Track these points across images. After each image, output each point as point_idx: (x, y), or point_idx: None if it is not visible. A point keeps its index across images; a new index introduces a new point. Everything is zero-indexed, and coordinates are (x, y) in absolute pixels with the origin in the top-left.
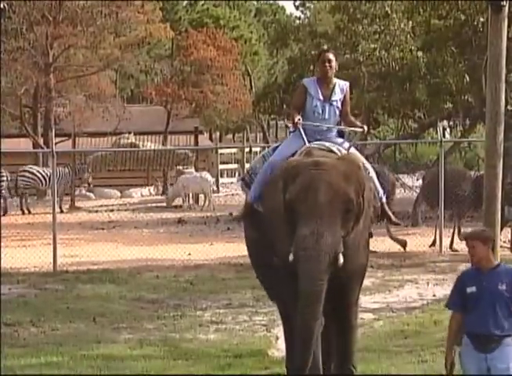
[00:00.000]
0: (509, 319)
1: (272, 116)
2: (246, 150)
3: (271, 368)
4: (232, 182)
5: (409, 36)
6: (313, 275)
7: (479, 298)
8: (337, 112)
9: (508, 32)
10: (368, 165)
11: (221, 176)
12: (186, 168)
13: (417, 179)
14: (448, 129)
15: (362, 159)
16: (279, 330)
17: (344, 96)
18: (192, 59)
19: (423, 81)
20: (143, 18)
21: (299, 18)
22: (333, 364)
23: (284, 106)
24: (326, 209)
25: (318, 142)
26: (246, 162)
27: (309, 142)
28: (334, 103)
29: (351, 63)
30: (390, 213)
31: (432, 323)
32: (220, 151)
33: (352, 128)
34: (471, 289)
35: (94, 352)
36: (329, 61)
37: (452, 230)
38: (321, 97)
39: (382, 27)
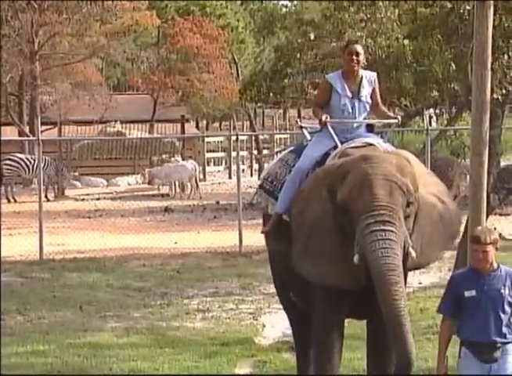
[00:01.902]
0: (510, 325)
1: (259, 104)
2: (233, 138)
3: (257, 356)
4: (218, 171)
5: (395, 24)
6: (392, 267)
7: (479, 302)
8: (367, 107)
9: (494, 20)
10: (414, 160)
11: (208, 165)
12: (172, 157)
13: None
14: (434, 117)
15: (406, 153)
16: (265, 319)
17: (373, 89)
18: (179, 47)
19: (410, 69)
20: (129, 5)
21: (286, 6)
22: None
23: (271, 95)
24: (386, 202)
25: (350, 142)
26: (233, 150)
27: (340, 141)
28: (363, 99)
29: (337, 51)
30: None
31: (418, 311)
32: (206, 139)
33: (386, 121)
34: (470, 293)
35: (80, 341)
36: (357, 54)
37: None
38: (349, 94)
39: (368, 15)
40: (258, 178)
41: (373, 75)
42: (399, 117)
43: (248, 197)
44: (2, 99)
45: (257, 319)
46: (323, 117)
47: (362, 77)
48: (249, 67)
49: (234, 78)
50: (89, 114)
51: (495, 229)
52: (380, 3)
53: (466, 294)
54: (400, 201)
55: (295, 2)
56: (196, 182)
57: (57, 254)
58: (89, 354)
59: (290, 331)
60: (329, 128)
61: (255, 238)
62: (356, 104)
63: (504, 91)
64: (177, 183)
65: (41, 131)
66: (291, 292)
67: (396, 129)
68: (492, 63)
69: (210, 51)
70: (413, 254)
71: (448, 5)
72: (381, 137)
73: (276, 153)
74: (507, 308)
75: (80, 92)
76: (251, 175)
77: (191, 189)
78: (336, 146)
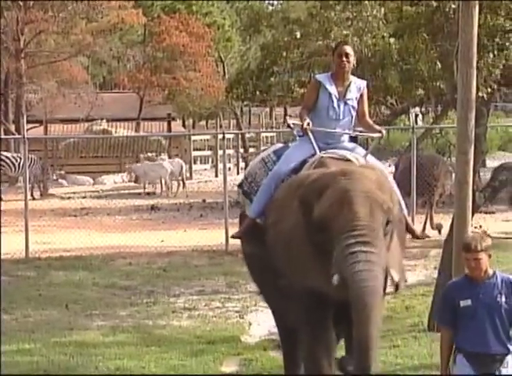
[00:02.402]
0: (509, 334)
1: (245, 102)
2: (220, 136)
3: (244, 354)
4: (205, 169)
5: (381, 22)
6: (372, 292)
7: (476, 312)
8: (353, 112)
9: (479, 19)
10: (387, 174)
11: (195, 163)
12: (159, 155)
13: (389, 166)
14: (420, 116)
15: (382, 167)
16: (251, 317)
17: (361, 96)
18: (165, 46)
19: (396, 67)
20: (115, 3)
21: (272, 4)
22: None
23: (257, 93)
24: (367, 221)
25: (330, 151)
26: (220, 149)
27: (320, 148)
28: (349, 102)
29: (323, 49)
30: (413, 226)
31: (404, 309)
32: (193, 138)
33: (369, 135)
34: (465, 302)
35: (66, 339)
36: (347, 55)
37: (424, 216)
38: (336, 94)
39: (354, 14)
40: None
41: (362, 82)
42: (383, 132)
43: (235, 195)
44: None
45: (243, 318)
46: (305, 124)
47: (351, 82)
48: (235, 66)
49: (220, 77)
50: (75, 113)
51: (480, 227)
52: (366, 2)
53: (462, 303)
54: (381, 220)
55: (281, 1)
56: (183, 181)
57: (43, 252)
58: (75, 353)
59: (276, 330)
60: (310, 134)
61: None
62: (342, 106)
63: (489, 89)
64: (163, 182)
65: (27, 130)
66: (268, 300)
67: (383, 127)
68: (477, 62)
69: (196, 49)
70: (395, 277)
71: (434, 3)
72: (366, 148)
73: (263, 151)
74: (505, 316)
75: (66, 91)
76: (238, 173)
77: (177, 188)
78: (315, 154)
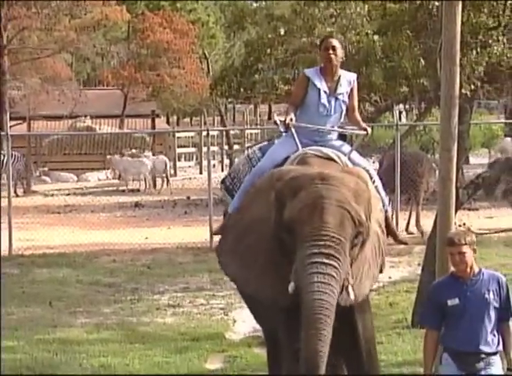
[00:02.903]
0: (496, 333)
1: (230, 99)
2: (204, 133)
3: (228, 351)
4: (189, 166)
5: (365, 19)
6: (325, 306)
7: (464, 310)
8: (343, 107)
9: (462, 16)
10: (373, 172)
11: (179, 160)
12: (143, 152)
13: (373, 162)
14: (404, 113)
15: (366, 164)
16: (236, 314)
17: (351, 90)
18: (149, 42)
19: (379, 64)
20: (99, 0)
21: (256, 1)
22: None
23: (241, 90)
24: (335, 232)
25: (314, 148)
26: (204, 146)
27: (305, 145)
28: (340, 97)
29: (307, 46)
30: (395, 229)
31: (388, 306)
32: (177, 135)
33: (354, 132)
34: (453, 301)
35: (50, 337)
36: (334, 48)
37: (407, 213)
38: (326, 89)
39: (338, 11)
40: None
41: (352, 76)
42: (369, 130)
43: (219, 192)
44: None
45: (227, 315)
46: (288, 119)
47: (340, 76)
48: (219, 62)
49: (204, 73)
50: (59, 109)
51: (464, 224)
52: None
53: (449, 302)
54: (349, 233)
55: None
56: (167, 178)
57: (26, 249)
58: (59, 350)
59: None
60: (293, 131)
61: None
62: (332, 101)
63: (473, 86)
64: (146, 178)
65: (10, 127)
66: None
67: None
68: (460, 59)
69: (180, 46)
70: (352, 295)
71: (418, 1)
72: (351, 145)
73: (247, 148)
74: (493, 314)
75: (49, 87)
76: (222, 170)
77: (161, 185)
78: (298, 150)
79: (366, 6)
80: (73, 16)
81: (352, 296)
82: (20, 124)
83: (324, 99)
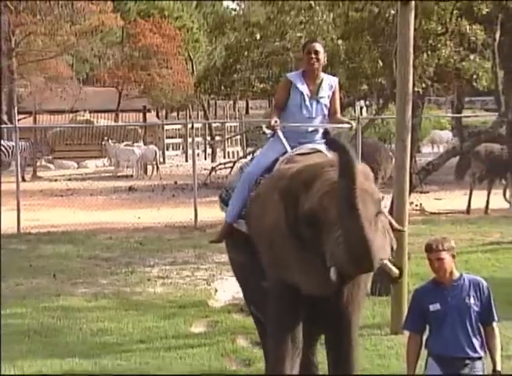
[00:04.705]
0: (479, 337)
1: (212, 96)
2: (189, 126)
3: (211, 317)
4: (176, 155)
5: (330, 26)
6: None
7: (445, 315)
8: (325, 110)
9: (414, 23)
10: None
11: (167, 149)
12: (136, 142)
13: None
14: (364, 108)
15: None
16: (217, 284)
17: (333, 93)
18: (141, 46)
19: (343, 65)
20: (96, 8)
21: (235, 9)
22: None
23: (222, 88)
24: (361, 212)
25: (299, 148)
26: (189, 137)
27: (292, 147)
28: (322, 101)
29: (280, 49)
30: (389, 217)
31: None
32: (166, 127)
33: (339, 126)
34: (435, 306)
35: (54, 304)
36: (316, 52)
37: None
38: (308, 93)
39: (307, 18)
40: (212, 161)
41: (334, 79)
42: (353, 124)
43: (202, 177)
44: None
45: (210, 285)
46: (272, 121)
47: (322, 79)
48: (203, 64)
49: (190, 73)
50: (61, 105)
51: (420, 204)
52: (317, 8)
53: (431, 307)
54: (373, 211)
55: (243, 6)
56: (157, 165)
57: (33, 228)
58: (62, 316)
59: (239, 295)
60: (279, 133)
61: (209, 214)
62: (314, 104)
63: (424, 85)
64: (139, 165)
65: (18, 120)
66: (252, 306)
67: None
68: (413, 61)
69: (168, 49)
70: (394, 270)
71: (376, 9)
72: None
73: (227, 139)
74: (474, 318)
75: (52, 85)
76: (205, 158)
77: (152, 171)
78: (286, 152)
79: (331, 14)
80: (73, 23)
81: (396, 271)
82: (27, 117)
83: (306, 102)
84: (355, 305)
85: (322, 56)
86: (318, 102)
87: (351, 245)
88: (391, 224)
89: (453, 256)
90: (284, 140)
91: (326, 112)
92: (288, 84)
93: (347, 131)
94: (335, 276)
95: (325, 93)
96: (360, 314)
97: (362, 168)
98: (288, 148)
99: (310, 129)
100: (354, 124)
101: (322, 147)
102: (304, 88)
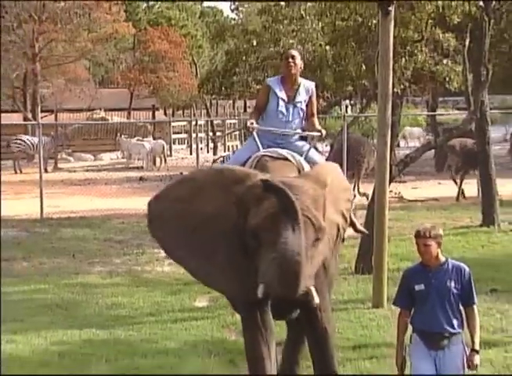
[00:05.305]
0: (458, 316)
1: (213, 96)
2: (193, 122)
3: (212, 293)
4: (182, 148)
5: (319, 34)
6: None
7: (428, 295)
8: (301, 114)
9: (394, 31)
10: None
11: (174, 144)
12: (146, 137)
13: (326, 145)
14: (349, 107)
15: (322, 161)
16: None
17: (310, 98)
18: (150, 51)
19: (330, 69)
20: (110, 18)
21: (234, 19)
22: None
23: (223, 89)
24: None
25: (271, 150)
26: (193, 132)
27: (268, 146)
28: (298, 105)
29: (274, 54)
30: (354, 220)
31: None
32: (172, 124)
33: (309, 134)
34: (419, 286)
35: (73, 281)
36: (293, 57)
37: (352, 185)
38: (285, 98)
39: (298, 27)
40: (213, 154)
41: (311, 84)
42: (323, 131)
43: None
44: (10, 91)
45: None
46: (248, 123)
47: (300, 84)
48: (205, 67)
49: (194, 76)
50: (79, 104)
51: (396, 193)
52: (308, 17)
53: (416, 287)
54: (311, 238)
55: (241, 16)
56: (165, 157)
57: (54, 213)
58: (80, 291)
59: None
60: (255, 134)
61: None
62: (291, 109)
63: (402, 86)
64: (149, 158)
65: (41, 117)
66: None
67: (320, 116)
68: (393, 65)
69: (174, 54)
70: (316, 299)
71: (360, 19)
72: (309, 144)
73: (227, 134)
74: (453, 300)
75: (72, 87)
76: (208, 151)
77: (160, 163)
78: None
79: (320, 23)
80: (90, 31)
81: (317, 300)
82: (49, 115)
83: (283, 106)
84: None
85: (299, 62)
86: (295, 106)
87: (283, 271)
88: (355, 226)
89: (439, 243)
90: (258, 140)
91: (302, 115)
92: (267, 89)
93: (317, 138)
94: (261, 293)
95: (301, 98)
96: (327, 294)
97: (312, 192)
98: (261, 148)
99: (280, 133)
100: (324, 131)
101: (290, 154)
102: (282, 93)
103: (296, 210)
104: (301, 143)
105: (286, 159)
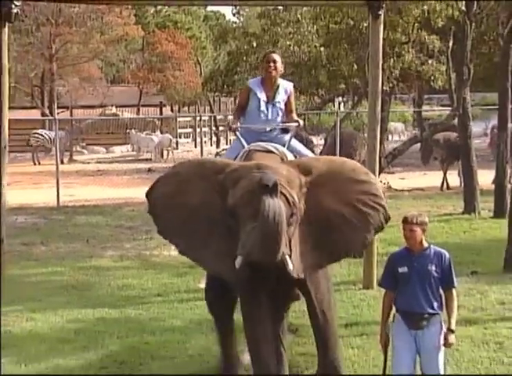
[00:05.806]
0: (437, 298)
1: (216, 93)
2: (198, 118)
3: None
4: (187, 142)
5: (314, 36)
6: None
7: (410, 277)
8: (280, 113)
9: (383, 34)
10: (309, 153)
11: (180, 137)
12: (154, 132)
13: (321, 139)
14: (342, 103)
15: (303, 149)
16: None
17: (288, 97)
18: (158, 52)
19: (324, 68)
20: (121, 21)
21: (235, 22)
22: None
23: (225, 87)
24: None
25: (255, 144)
26: (198, 127)
27: (251, 143)
28: (277, 104)
29: None
30: None
31: None
32: (178, 119)
33: (287, 125)
34: (403, 269)
35: (87, 264)
36: (274, 62)
37: None
38: (265, 98)
39: (295, 29)
40: (216, 147)
41: (289, 84)
42: (300, 122)
43: None
44: (29, 89)
45: None
46: (231, 123)
47: (279, 85)
48: (209, 67)
49: (198, 75)
50: (92, 101)
51: (385, 183)
52: (304, 21)
53: (400, 270)
54: (287, 213)
55: (242, 19)
56: (171, 150)
57: (70, 202)
58: (94, 274)
59: None
60: (238, 133)
61: None
62: (270, 108)
63: (391, 84)
64: (157, 150)
65: (58, 113)
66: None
67: (315, 111)
68: (382, 65)
69: (180, 55)
70: (290, 265)
71: (352, 22)
72: (290, 137)
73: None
74: (433, 283)
75: (85, 85)
76: (211, 145)
77: (167, 155)
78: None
79: (315, 26)
80: (102, 33)
81: (290, 266)
82: (65, 111)
83: (263, 106)
84: (319, 281)
85: (280, 65)
86: (274, 105)
87: (264, 234)
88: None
89: (424, 230)
90: (242, 140)
91: (281, 114)
92: (248, 90)
93: (296, 129)
94: (239, 265)
95: (280, 97)
96: (326, 275)
97: (286, 173)
98: (246, 146)
99: (268, 129)
100: (301, 122)
101: (274, 147)
102: (261, 94)
103: (275, 181)
104: (282, 135)
105: (270, 151)
